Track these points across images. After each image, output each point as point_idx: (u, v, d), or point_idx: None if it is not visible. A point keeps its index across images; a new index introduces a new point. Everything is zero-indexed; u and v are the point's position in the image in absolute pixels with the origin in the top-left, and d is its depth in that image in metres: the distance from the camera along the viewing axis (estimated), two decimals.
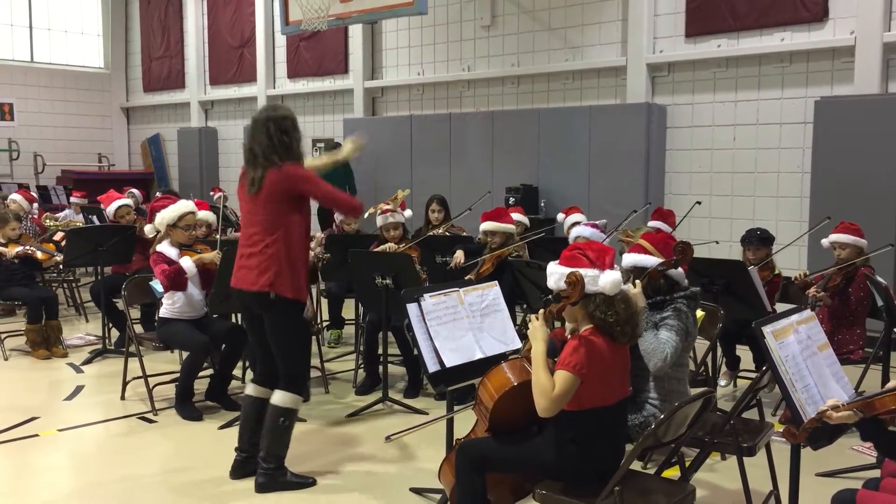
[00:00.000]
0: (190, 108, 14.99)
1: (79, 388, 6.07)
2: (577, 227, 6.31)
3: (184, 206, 5.57)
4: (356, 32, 11.87)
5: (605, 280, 2.99)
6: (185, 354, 5.60)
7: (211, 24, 14.33)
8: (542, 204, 9.55)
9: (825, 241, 5.68)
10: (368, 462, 4.66)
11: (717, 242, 7.48)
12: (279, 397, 4.17)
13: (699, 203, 7.30)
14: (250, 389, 4.33)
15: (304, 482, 4.27)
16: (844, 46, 7.62)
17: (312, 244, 6.30)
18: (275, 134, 4.06)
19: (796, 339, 3.15)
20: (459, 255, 6.18)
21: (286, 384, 4.18)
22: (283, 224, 4.04)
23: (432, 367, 3.67)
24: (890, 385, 2.64)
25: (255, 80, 13.51)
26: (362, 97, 11.96)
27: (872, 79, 7.40)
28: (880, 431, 2.66)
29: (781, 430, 2.84)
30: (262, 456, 4.20)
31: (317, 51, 12.60)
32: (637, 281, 3.68)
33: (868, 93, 7.40)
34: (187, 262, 5.37)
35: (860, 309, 5.47)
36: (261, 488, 4.17)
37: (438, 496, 3.94)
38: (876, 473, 3.20)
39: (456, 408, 3.96)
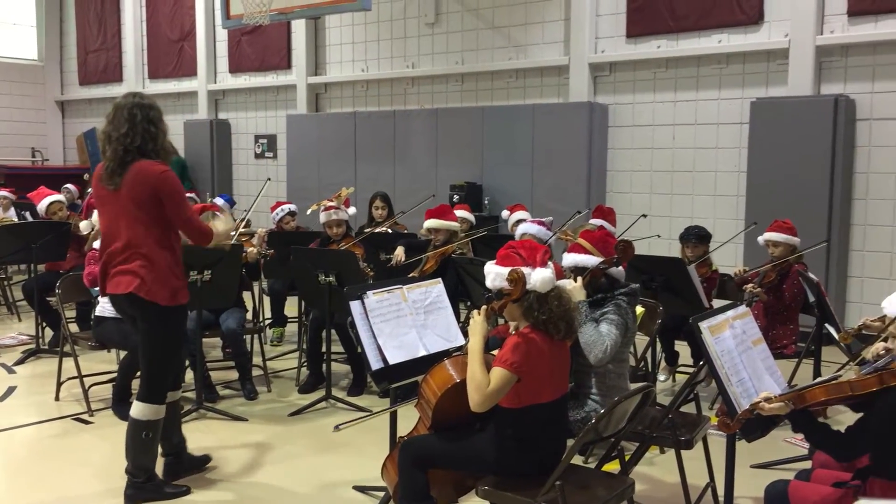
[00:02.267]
0: None
1: (11, 389, 5.89)
2: (524, 224, 6.35)
3: None
4: (299, 27, 11.75)
5: (535, 278, 3.01)
6: (122, 354, 5.49)
7: (149, 17, 14.03)
8: (487, 201, 9.59)
9: (760, 239, 5.83)
10: (311, 461, 4.63)
11: (658, 236, 7.61)
12: (140, 410, 3.91)
13: (644, 216, 7.36)
14: None
15: (177, 492, 4.08)
16: (779, 49, 7.82)
17: (254, 241, 6.24)
18: (141, 122, 3.78)
19: (732, 335, 3.23)
20: (400, 253, 6.17)
21: (146, 395, 3.91)
22: (158, 225, 3.80)
23: (376, 364, 3.65)
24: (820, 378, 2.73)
25: (196, 74, 13.27)
26: (305, 93, 11.85)
27: (805, 81, 7.61)
28: (811, 423, 2.74)
29: (717, 422, 2.91)
30: (128, 469, 3.99)
31: (259, 45, 12.43)
32: (578, 278, 3.73)
33: (801, 94, 7.61)
34: None
35: (794, 305, 5.62)
36: (130, 500, 3.97)
37: (382, 494, 3.93)
38: (808, 465, 3.29)
39: (399, 405, 3.95)
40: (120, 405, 5.23)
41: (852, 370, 2.82)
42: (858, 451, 2.70)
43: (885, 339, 2.85)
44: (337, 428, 4.03)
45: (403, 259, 6.16)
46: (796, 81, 7.67)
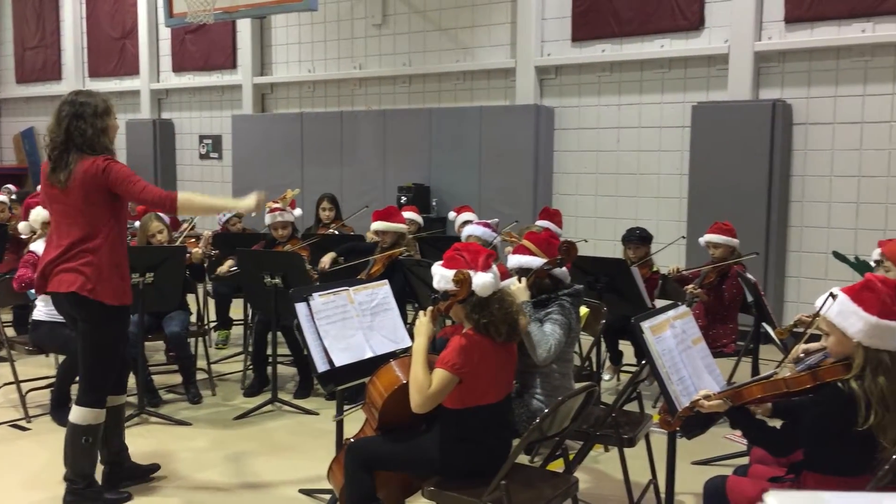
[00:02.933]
0: None
1: None
2: (469, 226, 6.38)
3: None
4: (244, 27, 11.62)
5: (476, 282, 3.04)
6: (61, 358, 5.36)
7: (90, 14, 13.72)
8: (434, 203, 9.61)
9: (701, 240, 5.96)
10: (257, 464, 4.59)
11: (585, 241, 7.64)
12: (79, 414, 3.81)
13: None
14: None
15: (118, 498, 4.02)
16: (719, 54, 8.00)
17: (200, 243, 6.16)
18: (66, 118, 3.73)
19: (672, 334, 3.30)
20: (326, 260, 6.12)
21: (87, 398, 3.83)
22: (103, 222, 3.74)
23: (322, 366, 3.64)
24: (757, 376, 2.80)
25: (138, 73, 13.03)
26: (251, 93, 11.72)
27: (744, 86, 7.80)
28: (748, 420, 2.81)
29: (658, 420, 2.97)
30: (67, 475, 3.90)
31: (203, 44, 12.26)
32: (523, 279, 3.76)
33: (740, 99, 7.80)
34: None
35: (733, 305, 5.76)
36: None
37: (328, 497, 3.92)
38: (746, 460, 3.38)
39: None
40: (58, 411, 5.11)
41: (787, 367, 2.90)
42: (793, 446, 2.78)
43: (815, 339, 2.94)
44: (340, 415, 3.86)
45: (328, 266, 6.08)
46: (736, 86, 7.86)
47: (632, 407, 4.49)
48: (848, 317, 2.62)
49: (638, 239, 6.08)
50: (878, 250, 4.22)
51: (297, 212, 6.52)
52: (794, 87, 7.71)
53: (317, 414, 5.37)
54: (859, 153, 7.40)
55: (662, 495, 3.53)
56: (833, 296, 2.69)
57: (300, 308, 3.69)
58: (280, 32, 11.54)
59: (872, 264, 4.24)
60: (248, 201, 4.12)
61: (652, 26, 8.39)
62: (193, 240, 6.29)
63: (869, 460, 2.65)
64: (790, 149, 7.69)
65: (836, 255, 4.73)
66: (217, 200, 4.29)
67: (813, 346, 3.06)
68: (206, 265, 6.25)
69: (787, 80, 7.75)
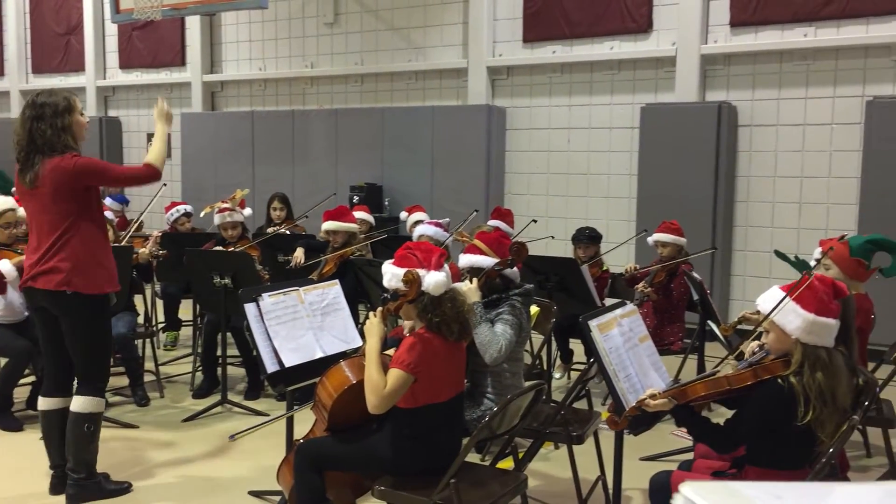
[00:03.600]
0: (10, 98, 13.95)
1: None
2: (421, 225, 6.39)
3: (2, 202, 5.20)
4: (193, 24, 11.46)
5: (429, 281, 3.05)
6: (3, 361, 5.23)
7: (33, 8, 13.40)
8: (387, 202, 9.60)
9: (650, 240, 6.06)
10: (206, 467, 4.54)
11: (553, 237, 7.76)
12: (80, 403, 3.90)
13: (535, 221, 7.49)
14: (43, 404, 4.02)
15: (119, 489, 4.09)
16: (667, 57, 8.14)
17: (148, 244, 6.06)
18: (28, 120, 3.80)
19: (619, 332, 3.35)
20: (299, 254, 6.12)
21: (87, 388, 3.92)
22: (75, 217, 3.78)
23: (271, 367, 3.62)
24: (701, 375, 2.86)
25: (83, 69, 12.76)
26: (201, 91, 11.57)
27: (691, 88, 7.95)
28: (692, 417, 2.87)
29: (606, 418, 3.01)
30: (70, 467, 3.96)
31: (151, 41, 12.06)
32: (474, 279, 3.79)
33: (687, 101, 7.94)
34: (6, 265, 5.00)
35: (681, 303, 5.87)
36: (72, 500, 3.94)
37: (278, 498, 3.89)
38: (692, 456, 3.44)
39: (296, 407, 3.93)
40: (1, 415, 5.00)
41: (730, 365, 2.97)
42: (736, 442, 2.84)
43: (759, 336, 3.01)
44: (232, 437, 3.99)
45: (303, 261, 6.10)
46: (683, 88, 8.00)
47: (581, 405, 4.55)
48: (787, 314, 2.69)
49: (588, 239, 6.16)
50: (819, 249, 4.33)
51: (247, 211, 6.46)
52: (739, 89, 7.87)
53: (267, 415, 5.33)
54: (801, 154, 7.59)
55: (610, 491, 3.59)
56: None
57: (249, 308, 3.66)
58: (230, 30, 11.41)
59: (813, 263, 4.35)
60: (160, 115, 4.31)
61: (601, 28, 8.49)
62: (140, 239, 6.18)
63: (808, 454, 2.73)
64: (735, 150, 7.85)
65: (778, 253, 4.86)
66: (158, 141, 4.27)
67: (753, 344, 3.13)
68: (153, 265, 6.16)
69: (732, 82, 7.92)
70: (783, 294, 2.75)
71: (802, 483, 0.74)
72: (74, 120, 3.88)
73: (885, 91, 7.17)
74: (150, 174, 3.95)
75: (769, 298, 2.80)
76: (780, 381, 2.69)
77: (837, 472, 3.50)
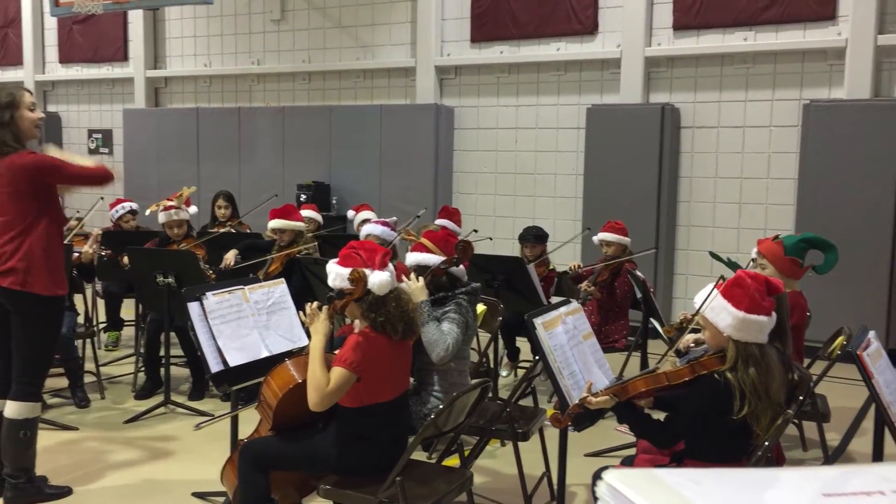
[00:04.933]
0: None
1: None
2: (368, 224, 6.37)
3: None
4: (136, 18, 11.24)
5: (374, 280, 3.05)
6: None
7: None
8: (335, 201, 9.56)
9: (595, 239, 6.14)
10: (149, 469, 4.47)
11: (490, 239, 7.79)
12: (15, 409, 3.79)
13: (475, 231, 7.38)
14: None
15: (59, 493, 4.01)
16: (612, 58, 8.25)
17: (89, 241, 5.94)
18: None
19: (564, 330, 3.40)
20: (230, 256, 6.03)
21: (23, 393, 3.80)
22: (30, 214, 3.71)
23: (215, 367, 3.59)
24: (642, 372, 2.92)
25: (21, 63, 12.42)
26: (144, 87, 11.36)
27: (635, 89, 8.08)
28: (633, 414, 2.92)
29: (550, 416, 3.05)
30: (7, 472, 3.87)
31: (92, 36, 11.80)
32: (420, 277, 3.80)
33: (632, 102, 8.07)
34: None
35: (625, 301, 5.96)
36: (10, 503, 3.87)
37: (222, 499, 3.85)
38: (634, 451, 3.51)
39: (241, 407, 3.89)
40: None
41: (669, 362, 3.04)
42: (675, 437, 2.91)
43: (697, 330, 3.08)
44: (198, 426, 3.88)
45: (233, 263, 6.01)
46: (627, 90, 8.13)
47: (527, 402, 4.59)
48: (719, 312, 2.76)
49: (535, 238, 6.22)
50: (756, 249, 4.44)
51: (193, 210, 6.37)
52: (681, 91, 8.03)
53: (211, 415, 5.26)
54: (741, 156, 7.77)
55: (555, 487, 3.64)
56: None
57: (193, 308, 3.63)
58: (174, 25, 11.23)
59: (749, 262, 4.47)
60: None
61: (548, 29, 8.58)
62: (81, 238, 6.05)
63: (744, 447, 2.81)
64: (678, 151, 8.00)
65: (712, 254, 4.98)
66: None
67: (689, 337, 3.21)
68: (96, 264, 6.04)
69: (675, 84, 8.07)
70: (718, 292, 2.82)
71: (721, 469, 0.78)
72: (20, 115, 3.77)
73: (821, 95, 7.38)
74: (105, 176, 3.91)
75: (705, 296, 2.87)
76: (716, 376, 2.76)
77: (773, 465, 3.60)
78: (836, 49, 7.27)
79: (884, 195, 6.79)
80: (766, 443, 2.75)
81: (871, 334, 3.19)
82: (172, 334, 5.51)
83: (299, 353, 3.49)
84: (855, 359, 2.97)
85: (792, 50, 7.49)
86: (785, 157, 7.53)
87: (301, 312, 3.19)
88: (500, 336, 5.55)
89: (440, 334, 3.66)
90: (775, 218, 7.58)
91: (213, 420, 4.06)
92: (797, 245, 4.30)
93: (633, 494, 0.70)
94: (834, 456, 4.35)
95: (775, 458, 3.83)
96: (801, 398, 2.99)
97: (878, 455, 3.23)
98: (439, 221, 6.64)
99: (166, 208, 6.14)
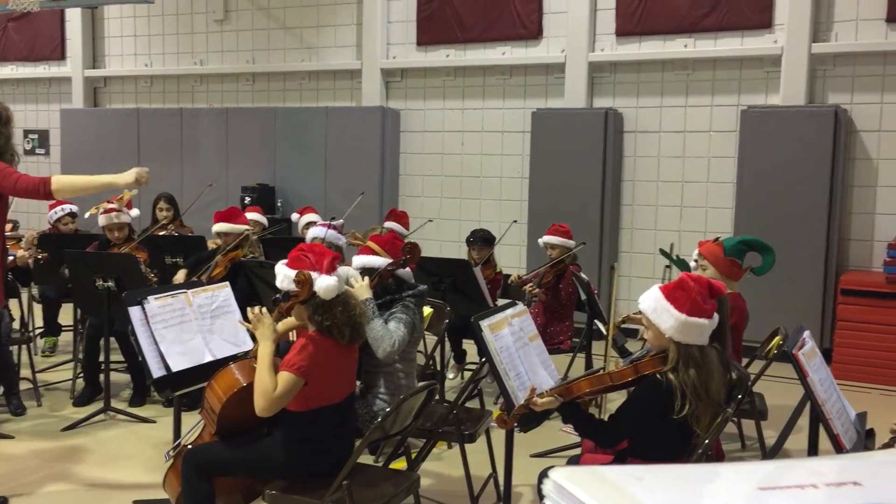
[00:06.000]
0: None
1: None
2: (314, 227, 6.33)
3: None
4: (74, 16, 10.98)
5: (320, 284, 3.04)
6: None
7: None
8: (280, 203, 9.47)
9: (540, 241, 6.20)
10: (88, 477, 4.36)
11: (430, 220, 7.84)
12: None
13: (430, 220, 7.58)
14: None
15: None
16: (556, 63, 8.35)
17: (23, 244, 5.78)
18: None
19: (510, 332, 3.43)
20: (180, 277, 5.93)
21: None
22: None
23: (157, 372, 3.53)
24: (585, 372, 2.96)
25: None
26: (82, 87, 11.09)
27: (579, 94, 8.18)
28: (577, 414, 2.96)
29: (496, 417, 3.07)
30: None
31: (28, 33, 11.48)
32: (366, 278, 3.79)
33: (576, 107, 8.17)
34: None
35: (569, 303, 6.03)
36: None
37: None
38: (579, 451, 3.56)
39: (184, 413, 3.83)
40: None
41: (613, 362, 3.08)
42: (619, 437, 2.96)
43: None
44: (168, 455, 3.73)
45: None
46: (572, 94, 8.23)
47: (473, 404, 4.62)
48: (661, 314, 2.81)
49: (481, 240, 6.25)
50: (697, 251, 4.54)
51: (134, 212, 6.25)
52: (624, 96, 8.16)
53: (153, 422, 5.17)
54: (682, 160, 7.93)
55: (501, 488, 3.66)
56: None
57: (134, 312, 3.56)
58: (114, 24, 10.99)
59: (692, 264, 4.56)
60: (128, 177, 3.97)
61: (494, 34, 8.64)
62: (15, 242, 5.88)
63: (686, 446, 2.87)
64: (621, 155, 8.13)
65: (662, 251, 5.07)
66: (95, 178, 4.08)
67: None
68: (32, 268, 5.88)
69: (618, 90, 8.20)
70: (662, 294, 2.86)
71: (663, 465, 0.80)
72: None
73: (758, 101, 7.58)
74: (43, 192, 3.79)
75: (649, 298, 2.91)
76: (658, 376, 2.81)
77: (714, 462, 3.68)
78: (772, 56, 7.47)
79: (818, 198, 7.00)
80: (707, 441, 2.81)
81: (806, 334, 3.29)
82: (112, 339, 5.39)
83: (244, 357, 3.44)
84: (791, 358, 3.05)
85: (730, 57, 7.67)
86: (724, 161, 7.71)
87: (250, 310, 3.15)
88: (446, 338, 5.57)
89: (386, 331, 3.66)
90: (715, 221, 7.75)
91: (179, 443, 3.87)
92: (736, 247, 4.40)
93: (578, 491, 0.72)
94: (772, 452, 4.46)
95: (715, 455, 3.92)
96: (739, 397, 3.06)
97: (813, 450, 3.33)
98: (387, 224, 6.63)
99: (106, 211, 6.01)
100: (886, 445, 2.88)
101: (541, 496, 0.82)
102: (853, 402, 3.56)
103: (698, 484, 0.76)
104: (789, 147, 7.08)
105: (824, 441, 3.23)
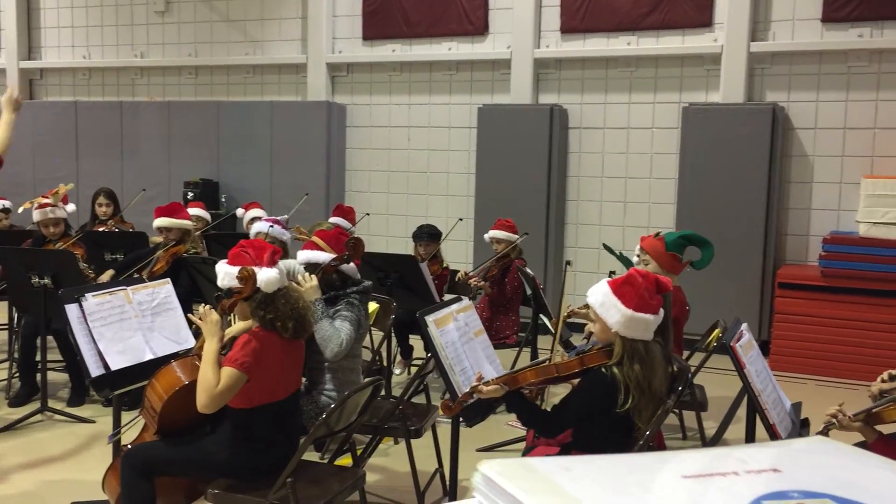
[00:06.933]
0: None
1: None
2: (259, 222, 6.26)
3: None
4: (8, 6, 10.64)
5: (262, 277, 3.01)
6: None
7: None
8: (224, 199, 9.33)
9: (486, 236, 6.23)
10: (25, 480, 4.24)
11: (368, 215, 7.82)
12: None
13: (368, 214, 7.56)
14: None
15: None
16: (502, 59, 8.39)
17: None
18: None
19: (455, 327, 3.44)
20: (105, 277, 5.80)
21: None
22: None
23: (95, 371, 3.45)
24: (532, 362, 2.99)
25: None
26: (17, 78, 10.75)
27: (525, 90, 8.24)
28: (522, 404, 2.99)
29: (440, 404, 3.08)
30: None
31: None
32: (313, 275, 3.77)
33: (522, 102, 8.22)
34: None
35: (515, 297, 6.08)
36: None
37: None
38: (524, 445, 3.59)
39: (125, 412, 3.76)
40: None
41: (558, 354, 3.12)
42: (561, 427, 2.99)
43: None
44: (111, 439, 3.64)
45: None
46: (518, 90, 8.28)
47: (420, 399, 4.62)
48: (608, 308, 2.84)
49: (427, 236, 6.25)
50: (639, 245, 4.61)
51: (70, 207, 6.09)
52: (569, 93, 8.24)
53: (93, 422, 5.06)
54: (626, 156, 8.04)
55: (448, 482, 3.67)
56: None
57: (71, 310, 3.47)
58: (50, 14, 10.70)
59: (635, 259, 4.63)
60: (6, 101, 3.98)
61: (440, 29, 8.64)
62: None
63: (628, 438, 2.91)
64: (566, 151, 8.21)
65: (606, 247, 5.15)
66: (4, 127, 3.97)
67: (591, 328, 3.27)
68: None
69: (563, 86, 8.27)
70: (610, 289, 2.90)
71: (592, 456, 0.82)
72: None
73: (698, 98, 7.73)
74: None
75: (597, 292, 2.94)
76: (603, 370, 2.85)
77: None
78: (712, 55, 7.61)
79: (756, 194, 7.17)
80: (648, 433, 2.86)
81: (744, 326, 3.36)
82: (49, 338, 5.26)
83: (186, 355, 3.39)
84: (728, 350, 3.12)
85: (672, 55, 7.80)
86: (666, 157, 7.84)
87: (198, 307, 3.10)
88: (393, 334, 5.56)
89: (333, 330, 3.65)
90: (658, 216, 7.88)
91: (122, 429, 3.76)
92: (677, 241, 4.48)
93: (506, 483, 0.73)
94: (711, 442, 4.56)
95: (657, 447, 3.99)
96: (680, 389, 3.12)
97: (750, 440, 3.40)
98: (333, 219, 6.59)
99: (41, 206, 5.84)
100: (821, 434, 2.97)
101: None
102: (790, 392, 3.66)
103: (624, 473, 0.78)
104: (729, 144, 7.23)
105: (762, 431, 3.31)
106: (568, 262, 4.65)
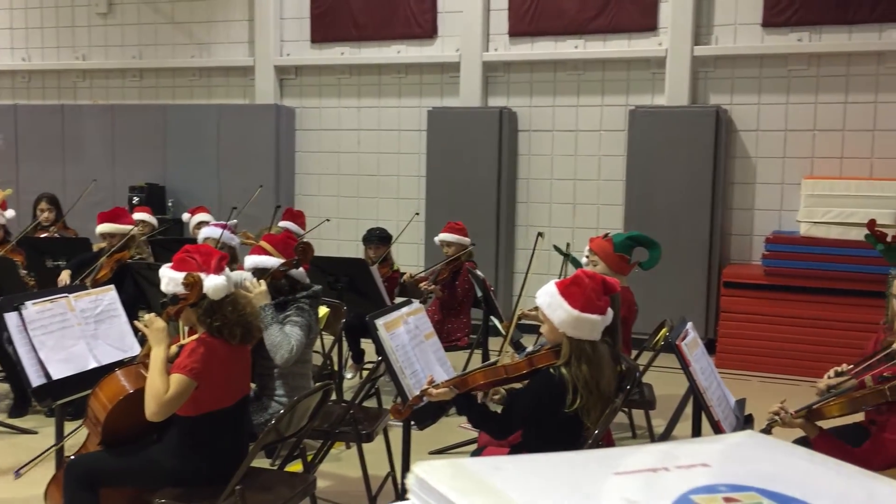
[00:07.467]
0: None
1: None
2: (206, 227, 6.17)
3: None
4: None
5: (209, 284, 2.98)
6: None
7: None
8: (170, 203, 9.19)
9: (436, 239, 6.24)
10: None
11: (328, 220, 7.78)
12: None
13: (328, 220, 7.51)
14: None
15: None
16: (451, 62, 8.41)
17: None
18: None
19: (406, 330, 3.44)
20: (65, 277, 5.69)
21: None
22: None
23: (36, 380, 3.37)
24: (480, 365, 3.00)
25: None
26: None
27: (474, 93, 8.27)
28: (472, 406, 3.00)
29: (390, 408, 3.08)
30: None
31: None
32: (262, 280, 3.74)
33: (471, 105, 8.25)
34: None
35: (466, 300, 6.09)
36: None
37: None
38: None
39: (69, 423, 3.67)
40: None
41: (508, 355, 3.13)
42: (510, 428, 3.01)
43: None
44: (17, 474, 3.56)
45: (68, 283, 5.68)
46: (467, 93, 8.31)
47: (371, 403, 4.61)
48: (555, 309, 2.87)
49: (378, 239, 6.24)
50: (588, 247, 4.66)
51: (10, 213, 5.95)
52: (518, 96, 8.29)
53: (35, 433, 4.93)
54: (574, 159, 8.12)
55: (400, 486, 3.67)
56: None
57: (10, 318, 3.38)
58: None
59: (584, 260, 4.68)
60: None
61: (389, 32, 8.63)
62: None
63: (577, 439, 2.94)
64: (516, 153, 8.26)
65: (556, 248, 5.20)
66: None
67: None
68: None
69: (512, 89, 8.33)
70: (557, 290, 2.92)
71: (525, 455, 0.83)
72: None
73: (645, 101, 7.84)
74: None
75: (545, 293, 2.97)
76: (551, 371, 2.87)
77: None
78: (657, 58, 7.74)
79: (701, 195, 7.30)
80: (597, 432, 2.89)
81: (689, 325, 3.42)
82: None
83: (131, 363, 3.32)
84: (674, 349, 3.17)
85: (618, 58, 7.91)
86: (614, 159, 7.94)
87: (146, 316, 3.05)
88: (343, 338, 5.53)
89: (283, 336, 3.62)
90: (606, 217, 7.98)
91: (38, 459, 3.68)
92: (625, 243, 4.54)
93: (437, 484, 0.73)
94: (660, 440, 4.63)
95: (606, 446, 4.03)
96: (628, 388, 3.16)
97: (696, 436, 3.46)
98: (283, 224, 6.54)
99: None
100: (765, 431, 3.03)
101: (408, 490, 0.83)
102: (735, 389, 3.73)
103: (556, 471, 0.79)
104: (674, 146, 7.36)
105: (708, 428, 3.37)
106: (540, 234, 4.63)
